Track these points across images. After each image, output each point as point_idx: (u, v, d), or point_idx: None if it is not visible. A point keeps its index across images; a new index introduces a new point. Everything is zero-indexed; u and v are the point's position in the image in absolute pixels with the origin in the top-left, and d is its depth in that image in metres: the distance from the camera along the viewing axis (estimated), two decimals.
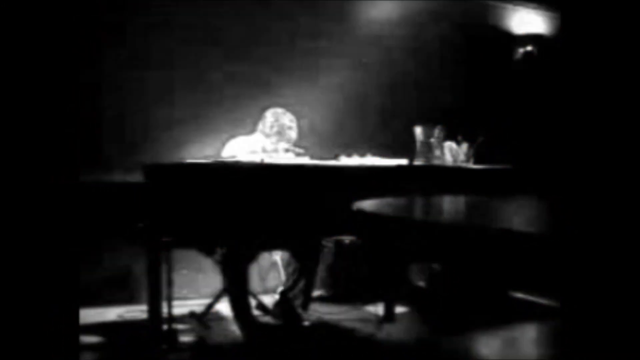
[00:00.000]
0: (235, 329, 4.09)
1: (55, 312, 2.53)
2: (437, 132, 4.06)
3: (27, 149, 2.09)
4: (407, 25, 5.74)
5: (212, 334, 4.03)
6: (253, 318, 4.04)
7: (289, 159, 4.08)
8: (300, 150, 4.27)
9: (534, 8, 6.47)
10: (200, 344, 3.80)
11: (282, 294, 4.04)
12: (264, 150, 4.27)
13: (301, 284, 4.01)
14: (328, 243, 4.92)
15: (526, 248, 1.38)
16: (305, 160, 3.90)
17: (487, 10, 6.29)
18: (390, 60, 5.64)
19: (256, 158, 3.71)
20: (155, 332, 3.46)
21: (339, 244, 4.95)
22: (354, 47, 5.50)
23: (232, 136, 4.48)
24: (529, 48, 6.28)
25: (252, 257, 4.06)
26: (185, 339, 3.82)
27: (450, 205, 2.72)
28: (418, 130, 4.09)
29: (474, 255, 1.59)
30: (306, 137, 4.70)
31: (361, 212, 2.06)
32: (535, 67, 6.24)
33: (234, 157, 4.00)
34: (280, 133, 4.38)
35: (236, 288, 3.95)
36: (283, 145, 4.33)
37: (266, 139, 4.40)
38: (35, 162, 2.12)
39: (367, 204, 2.22)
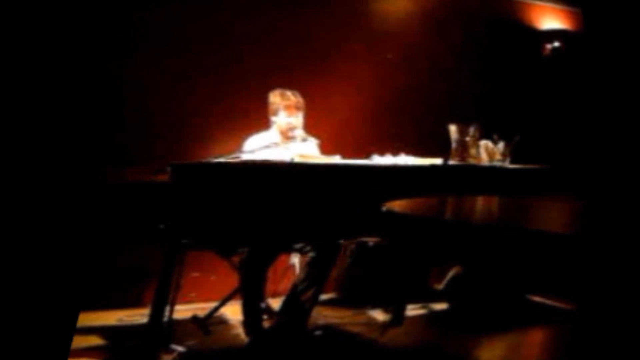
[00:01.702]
0: (235, 334, 4.26)
1: (51, 314, 2.73)
2: (472, 130, 4.18)
3: (42, 148, 2.28)
4: (427, 20, 6.00)
5: (210, 339, 4.15)
6: (261, 322, 4.15)
7: (319, 158, 4.19)
8: (313, 139, 4.40)
9: (558, 3, 6.69)
10: (194, 350, 3.92)
11: (289, 298, 4.11)
12: (276, 144, 4.45)
13: (311, 291, 4.07)
14: (351, 244, 5.09)
15: (557, 250, 1.53)
16: (336, 160, 4.00)
17: (511, 6, 6.53)
18: (412, 56, 5.87)
19: (286, 157, 3.82)
20: (151, 337, 3.58)
21: (361, 246, 5.10)
22: (373, 43, 5.74)
23: (255, 132, 4.58)
24: (556, 44, 6.48)
25: (272, 258, 4.16)
26: (180, 344, 3.93)
27: (482, 205, 2.87)
28: (453, 129, 4.20)
29: (502, 256, 1.72)
30: (338, 135, 4.89)
31: (390, 212, 2.21)
32: (565, 63, 6.44)
33: (238, 155, 4.12)
34: (276, 113, 4.50)
35: (252, 290, 4.07)
36: (299, 132, 4.46)
37: (279, 132, 4.56)
38: (48, 162, 2.31)
39: (398, 204, 2.39)
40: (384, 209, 2.27)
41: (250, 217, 3.44)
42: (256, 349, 4.01)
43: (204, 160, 3.68)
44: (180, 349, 3.87)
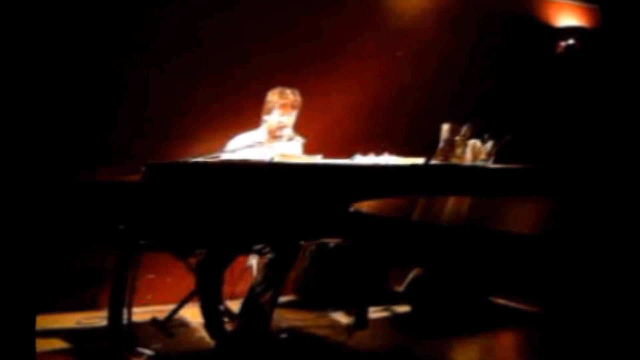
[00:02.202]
0: (199, 337, 4.26)
1: (10, 317, 2.73)
2: (464, 129, 4.12)
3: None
4: (441, 17, 6.02)
5: (175, 342, 4.16)
6: (223, 325, 4.17)
7: (299, 158, 4.17)
8: (299, 138, 4.40)
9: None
10: (161, 353, 3.91)
11: (247, 302, 4.11)
12: (260, 143, 4.35)
13: (269, 293, 4.07)
14: (311, 245, 5.09)
15: (517, 250, 1.60)
16: (315, 160, 3.96)
17: (529, 2, 6.58)
18: (423, 54, 5.91)
19: (267, 157, 3.78)
20: (114, 339, 3.61)
21: (322, 247, 5.11)
22: (384, 40, 5.76)
23: (245, 131, 4.58)
24: (571, 41, 6.51)
25: (230, 259, 4.18)
26: (146, 347, 3.92)
27: (453, 206, 2.94)
28: (445, 128, 4.14)
29: (465, 257, 1.79)
30: (327, 134, 4.91)
31: (356, 213, 2.26)
32: (579, 61, 6.46)
33: (217, 155, 4.09)
34: (270, 112, 4.49)
35: (209, 293, 4.09)
36: (287, 132, 4.43)
37: (267, 131, 4.53)
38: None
39: (366, 205, 2.44)
40: (351, 209, 2.32)
41: (209, 218, 3.43)
42: (224, 352, 4.01)
43: (181, 160, 3.67)
44: (148, 352, 3.88)
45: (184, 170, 3.46)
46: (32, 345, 2.88)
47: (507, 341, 4.66)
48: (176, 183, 3.36)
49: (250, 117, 4.61)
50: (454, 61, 6.04)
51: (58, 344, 4.08)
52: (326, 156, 4.00)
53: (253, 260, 4.70)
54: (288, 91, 4.48)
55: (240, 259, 4.66)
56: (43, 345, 3.81)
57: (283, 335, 4.38)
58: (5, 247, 2.64)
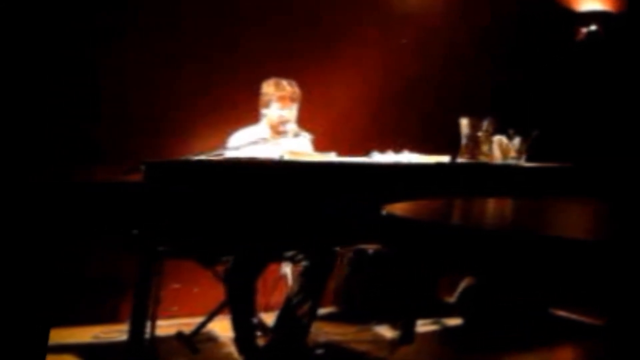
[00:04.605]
0: (226, 352, 4.15)
1: (19, 331, 2.58)
2: (485, 124, 4.03)
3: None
4: (460, 2, 5.79)
5: (200, 358, 4.06)
6: (254, 339, 4.04)
7: (312, 155, 4.06)
8: (307, 134, 4.29)
9: None
10: None
11: (284, 314, 3.99)
12: (265, 139, 4.30)
13: (308, 304, 3.95)
14: (348, 252, 4.94)
15: (574, 258, 1.40)
16: (331, 158, 3.85)
17: None
18: (432, 42, 5.67)
19: (275, 154, 3.70)
20: (134, 356, 3.41)
21: (360, 254, 4.96)
22: (389, 27, 5.55)
23: (243, 126, 4.48)
24: (593, 27, 6.24)
25: (261, 268, 4.06)
26: None
27: (494, 209, 2.73)
28: (464, 123, 4.06)
29: (517, 266, 1.61)
30: (335, 130, 4.77)
31: (391, 217, 2.07)
32: (601, 49, 6.20)
33: (221, 153, 4.01)
34: (268, 105, 4.39)
35: (241, 304, 3.98)
36: (292, 127, 4.35)
37: (269, 126, 4.44)
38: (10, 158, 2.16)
39: (399, 207, 2.24)
40: (384, 212, 2.12)
41: (234, 222, 3.34)
42: None
43: (183, 158, 3.57)
44: None
45: (195, 169, 3.36)
46: None
47: (567, 356, 4.41)
48: (185, 183, 3.27)
49: (246, 110, 4.53)
50: (462, 50, 5.81)
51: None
52: (339, 154, 3.90)
53: (287, 269, 4.63)
54: (284, 82, 4.40)
55: (273, 267, 4.56)
56: None
57: (319, 351, 4.24)
58: (9, 254, 2.49)
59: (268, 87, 4.40)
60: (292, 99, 4.36)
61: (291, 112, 4.36)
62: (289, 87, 4.36)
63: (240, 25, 5.05)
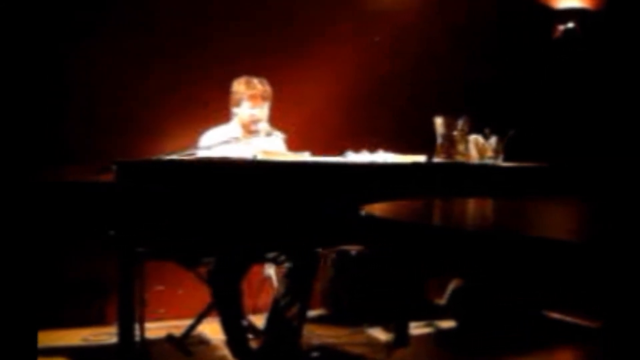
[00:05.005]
0: (220, 355, 4.15)
1: (8, 336, 2.59)
2: (460, 123, 4.02)
3: None
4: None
5: None
6: (247, 342, 4.06)
7: (286, 155, 4.06)
8: (279, 134, 4.28)
9: None
10: None
11: (273, 317, 3.99)
12: (237, 139, 4.26)
13: (296, 305, 3.95)
14: (331, 254, 4.95)
15: (564, 259, 1.42)
16: (306, 157, 3.83)
17: None
18: (407, 39, 5.65)
19: (248, 154, 3.71)
20: (125, 358, 3.39)
21: (343, 255, 4.96)
22: (363, 24, 5.52)
23: (214, 125, 4.46)
24: (571, 25, 6.26)
25: (243, 269, 4.07)
26: None
27: (475, 209, 2.75)
28: (439, 122, 4.04)
29: (503, 267, 1.62)
30: (308, 129, 4.76)
31: (371, 217, 2.09)
32: (578, 47, 6.21)
33: (193, 152, 3.99)
34: (239, 104, 4.37)
35: (228, 307, 3.97)
36: (263, 126, 4.32)
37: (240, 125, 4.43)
38: None
39: (378, 208, 2.26)
40: (363, 213, 2.14)
41: (210, 223, 3.33)
42: None
43: (154, 158, 3.55)
44: None
45: (168, 169, 3.36)
46: None
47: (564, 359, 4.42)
48: (159, 183, 3.25)
49: (217, 109, 4.51)
50: (438, 47, 5.78)
51: None
52: (313, 153, 3.88)
53: (270, 270, 4.65)
54: (255, 80, 4.37)
55: (257, 269, 4.57)
56: None
57: (315, 354, 4.25)
58: None
59: (239, 86, 4.38)
60: (264, 98, 4.34)
61: (262, 111, 4.33)
62: (260, 85, 4.34)
63: (212, 22, 5.04)
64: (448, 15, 5.80)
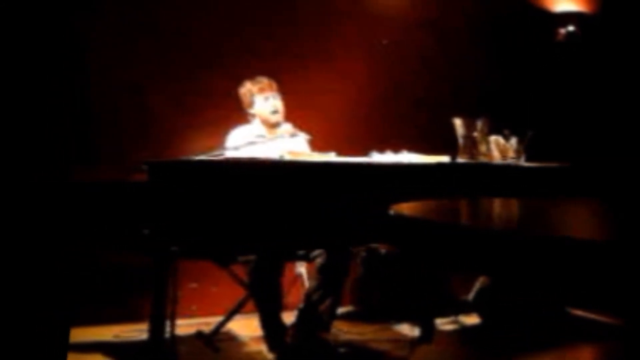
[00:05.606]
0: (248, 352, 4.23)
1: (42, 330, 2.67)
2: (480, 124, 4.07)
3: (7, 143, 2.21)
4: (436, 3, 5.88)
5: (222, 357, 4.13)
6: (285, 337, 4.10)
7: (312, 155, 4.13)
8: (303, 135, 4.36)
9: None
10: None
11: (304, 311, 4.08)
12: (262, 137, 4.35)
13: (328, 301, 4.04)
14: (361, 252, 5.00)
15: (589, 258, 1.47)
16: (332, 158, 3.90)
17: None
18: (418, 43, 5.76)
19: (274, 155, 3.77)
20: (155, 354, 3.50)
21: (373, 254, 5.03)
22: (374, 28, 5.62)
23: (234, 126, 4.54)
24: (571, 28, 6.28)
25: (281, 266, 4.12)
26: None
27: (501, 209, 2.79)
28: (458, 123, 4.09)
29: (529, 266, 1.66)
30: (328, 130, 4.84)
31: (400, 217, 2.14)
32: (580, 49, 6.24)
33: (221, 153, 4.07)
34: (251, 103, 4.46)
35: (269, 303, 4.05)
36: (287, 127, 4.41)
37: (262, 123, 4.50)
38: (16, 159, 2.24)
39: (407, 208, 2.31)
40: (392, 212, 2.18)
41: (246, 222, 3.39)
42: None
43: (184, 158, 3.62)
44: None
45: (197, 169, 3.41)
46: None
47: (586, 357, 4.44)
48: (190, 183, 3.32)
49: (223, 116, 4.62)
50: (446, 51, 5.88)
51: (94, 359, 4.09)
52: (338, 154, 3.95)
53: (302, 268, 4.71)
54: (258, 77, 4.45)
55: (289, 267, 4.59)
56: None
57: (342, 349, 4.29)
58: (26, 255, 2.59)
59: (244, 87, 4.48)
60: (272, 88, 4.42)
61: (277, 101, 4.41)
62: (263, 78, 4.44)
63: (236, 25, 5.15)
64: (452, 20, 5.93)
